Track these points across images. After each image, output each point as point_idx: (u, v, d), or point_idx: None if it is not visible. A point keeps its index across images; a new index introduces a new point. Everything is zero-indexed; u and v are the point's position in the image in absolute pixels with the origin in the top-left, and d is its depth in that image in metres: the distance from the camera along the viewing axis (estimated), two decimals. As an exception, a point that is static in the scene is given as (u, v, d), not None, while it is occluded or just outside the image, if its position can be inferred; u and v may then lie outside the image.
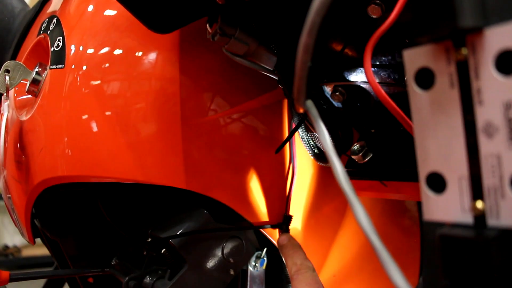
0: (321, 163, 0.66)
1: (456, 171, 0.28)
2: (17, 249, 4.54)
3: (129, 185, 0.73)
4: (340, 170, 0.32)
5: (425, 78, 0.29)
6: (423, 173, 0.30)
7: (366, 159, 0.61)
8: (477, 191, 0.27)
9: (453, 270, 0.26)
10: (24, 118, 0.67)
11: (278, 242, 0.64)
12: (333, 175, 0.34)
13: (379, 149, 0.60)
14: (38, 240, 0.87)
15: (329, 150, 0.33)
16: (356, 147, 0.61)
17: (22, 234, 0.79)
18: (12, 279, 0.70)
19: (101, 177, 0.59)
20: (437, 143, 0.29)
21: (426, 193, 0.30)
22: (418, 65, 0.29)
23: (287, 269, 0.61)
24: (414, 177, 0.57)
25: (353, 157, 0.60)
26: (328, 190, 0.70)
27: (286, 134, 0.66)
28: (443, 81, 0.28)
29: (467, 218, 0.27)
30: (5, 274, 0.69)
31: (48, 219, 0.76)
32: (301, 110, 0.34)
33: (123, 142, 0.58)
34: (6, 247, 4.56)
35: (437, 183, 0.29)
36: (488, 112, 0.26)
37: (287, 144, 0.67)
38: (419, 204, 0.90)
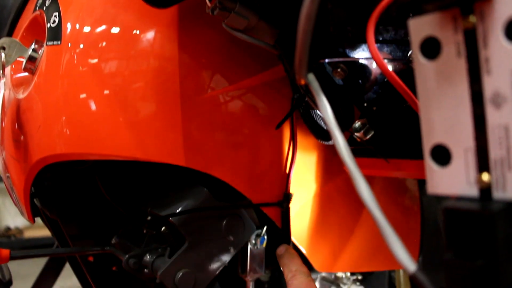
0: (322, 141, 0.65)
1: (461, 143, 0.27)
2: (19, 230, 4.57)
3: (129, 163, 0.72)
4: (342, 142, 0.31)
5: (431, 48, 0.28)
6: (427, 145, 0.29)
7: (368, 137, 0.60)
8: (483, 163, 0.26)
9: (457, 243, 0.26)
10: (21, 96, 0.66)
11: (276, 253, 0.67)
12: (335, 149, 0.33)
13: (381, 126, 0.59)
14: (40, 222, 0.87)
15: (331, 123, 0.33)
16: (357, 124, 0.60)
17: (21, 213, 0.78)
18: (12, 257, 0.70)
19: (100, 154, 0.58)
20: (443, 114, 0.28)
21: (431, 166, 0.29)
22: (424, 34, 0.28)
23: (284, 277, 0.62)
24: (416, 155, 0.57)
25: (354, 134, 0.59)
26: (329, 169, 0.70)
27: (287, 112, 0.65)
28: (450, 51, 0.27)
29: (472, 191, 0.27)
30: (6, 252, 0.69)
31: (47, 198, 0.76)
32: (303, 82, 0.33)
33: (122, 120, 0.58)
34: (8, 228, 4.60)
35: (442, 155, 0.28)
36: (496, 81, 0.25)
37: (288, 122, 0.66)
38: (420, 184, 0.90)
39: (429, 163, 0.29)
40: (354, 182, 0.32)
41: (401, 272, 0.89)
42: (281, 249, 0.66)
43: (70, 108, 0.59)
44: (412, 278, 0.29)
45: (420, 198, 0.91)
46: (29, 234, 4.49)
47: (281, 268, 0.64)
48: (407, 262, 0.29)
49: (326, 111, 0.34)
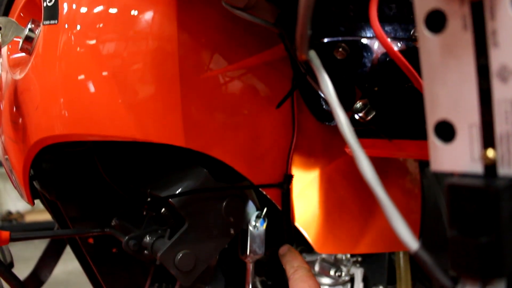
0: (323, 122, 0.64)
1: (466, 119, 0.27)
2: (20, 214, 4.60)
3: (128, 145, 0.72)
4: (343, 118, 0.30)
5: (436, 21, 0.27)
6: (431, 121, 0.28)
7: (369, 117, 0.60)
8: (488, 139, 0.26)
9: (461, 220, 0.26)
10: (18, 77, 0.65)
11: (279, 252, 0.69)
12: (336, 130, 0.33)
13: (382, 107, 0.59)
14: (41, 206, 0.87)
15: (332, 99, 0.32)
16: (358, 105, 0.60)
17: (21, 196, 0.78)
18: (12, 239, 0.70)
19: (99, 135, 0.58)
20: (447, 89, 0.27)
21: (434, 142, 0.28)
22: (429, 7, 0.27)
23: (286, 274, 0.64)
24: (418, 135, 0.56)
25: (356, 115, 0.58)
26: (329, 150, 0.69)
27: (287, 92, 0.64)
28: (456, 24, 0.26)
29: (477, 168, 0.26)
30: (6, 234, 0.69)
31: (46, 181, 0.75)
32: (304, 58, 0.33)
33: (121, 101, 0.57)
34: (9, 212, 4.63)
35: (446, 131, 0.28)
36: (503, 54, 0.25)
37: (289, 103, 0.65)
38: (421, 167, 0.89)
39: (433, 140, 0.28)
40: (356, 159, 0.31)
41: (401, 254, 0.89)
42: (283, 249, 0.69)
43: (68, 90, 0.58)
44: (414, 257, 0.28)
45: (421, 180, 0.91)
46: (30, 218, 4.52)
47: (283, 266, 0.67)
48: (409, 240, 0.28)
49: (327, 88, 0.34)
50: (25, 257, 1.44)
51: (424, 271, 0.28)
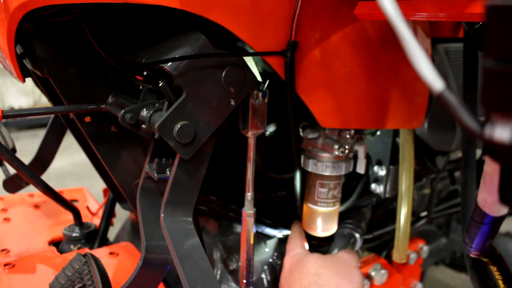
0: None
1: None
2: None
3: (119, 12, 0.66)
4: None
5: None
6: None
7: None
8: None
9: (500, 46, 0.22)
10: None
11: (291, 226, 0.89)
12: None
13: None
14: (44, 101, 0.84)
15: None
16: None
17: (10, 73, 0.74)
18: (4, 116, 0.67)
19: None
20: None
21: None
22: None
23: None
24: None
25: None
26: (337, 17, 0.63)
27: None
28: None
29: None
30: (-3, 111, 0.66)
31: (36, 57, 0.71)
32: None
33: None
34: (12, 109, 4.64)
35: None
36: None
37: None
38: (432, 43, 0.84)
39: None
40: (376, -10, 0.27)
41: (406, 133, 0.88)
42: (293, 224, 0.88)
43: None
44: (438, 99, 0.25)
45: (432, 57, 0.86)
46: (33, 112, 4.54)
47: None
48: (434, 80, 0.25)
49: None
50: (30, 150, 1.45)
51: (448, 114, 0.24)
